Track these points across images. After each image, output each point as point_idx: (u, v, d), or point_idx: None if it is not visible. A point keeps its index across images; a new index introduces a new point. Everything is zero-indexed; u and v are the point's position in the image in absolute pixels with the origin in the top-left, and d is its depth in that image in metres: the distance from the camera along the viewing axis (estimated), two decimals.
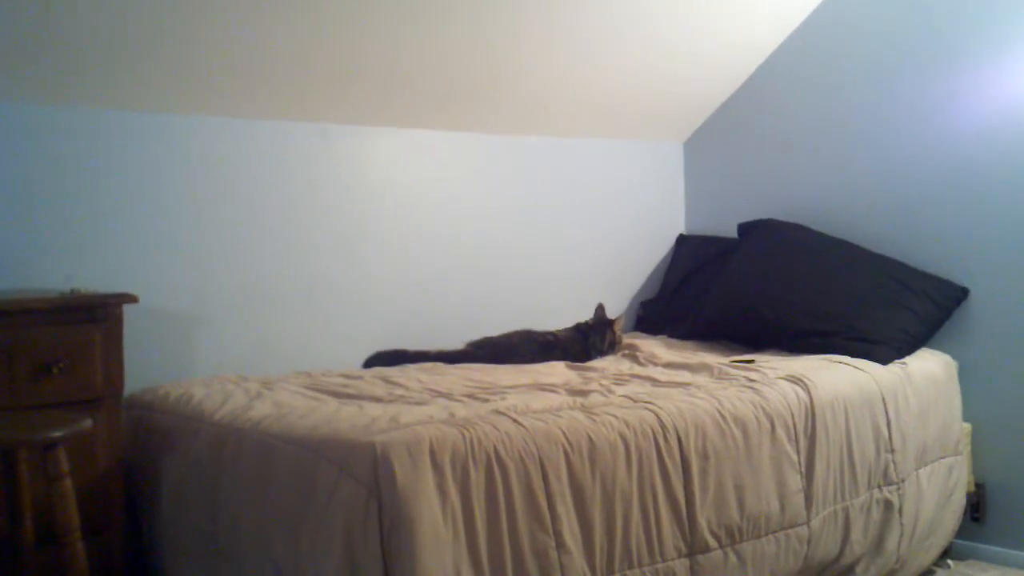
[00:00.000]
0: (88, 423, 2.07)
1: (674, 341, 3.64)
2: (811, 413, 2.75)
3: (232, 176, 3.08)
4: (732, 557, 2.49)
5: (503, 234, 3.73)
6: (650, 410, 2.43)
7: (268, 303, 3.13)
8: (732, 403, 2.60)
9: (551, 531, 2.14)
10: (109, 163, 2.84)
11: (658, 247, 4.22)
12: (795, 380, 2.82)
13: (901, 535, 2.95)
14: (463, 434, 2.07)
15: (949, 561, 3.30)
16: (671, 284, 4.06)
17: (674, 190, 4.29)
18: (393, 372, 2.97)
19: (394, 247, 3.43)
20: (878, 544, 2.90)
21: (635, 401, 2.51)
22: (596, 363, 3.23)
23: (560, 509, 2.16)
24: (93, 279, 2.64)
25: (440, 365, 3.14)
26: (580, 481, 2.21)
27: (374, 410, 2.31)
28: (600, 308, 3.54)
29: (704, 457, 2.46)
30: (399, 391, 2.66)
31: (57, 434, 1.99)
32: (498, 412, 2.28)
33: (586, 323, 3.51)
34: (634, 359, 3.33)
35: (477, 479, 2.04)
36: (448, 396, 2.57)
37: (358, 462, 1.95)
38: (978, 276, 3.34)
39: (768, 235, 3.72)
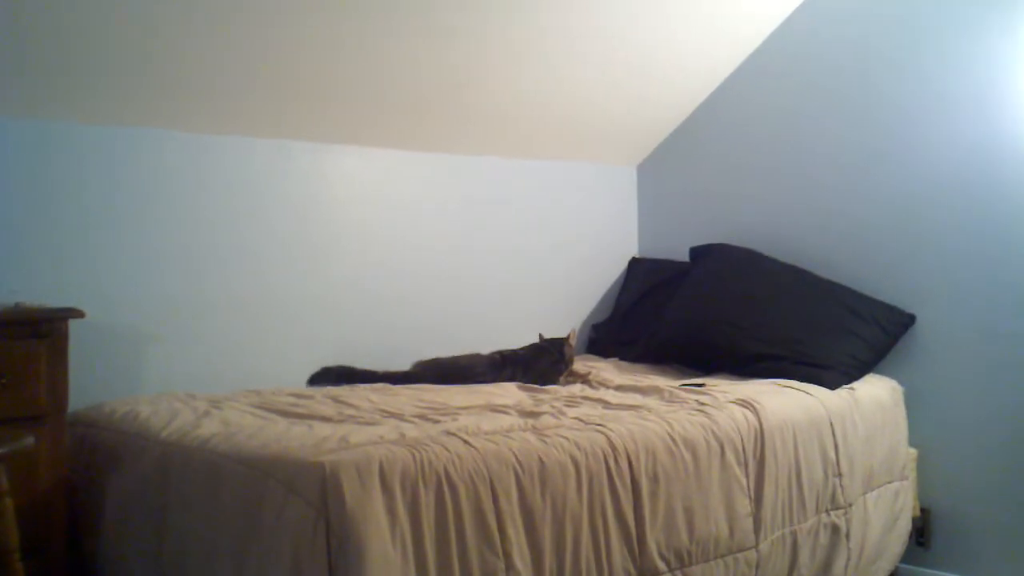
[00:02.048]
0: (30, 441, 2.03)
1: (625, 364, 3.66)
2: (760, 437, 2.77)
3: (184, 191, 3.05)
4: None
5: (456, 254, 3.73)
6: (601, 432, 2.43)
7: (218, 319, 3.10)
8: (683, 426, 2.61)
9: (501, 553, 2.12)
10: (57, 176, 2.81)
11: (610, 270, 4.25)
12: (745, 404, 2.84)
13: (848, 559, 2.98)
14: (413, 455, 2.06)
15: None
16: (623, 307, 4.09)
17: (627, 213, 4.33)
18: (343, 392, 2.95)
19: (346, 265, 3.42)
20: (825, 568, 2.92)
21: (586, 423, 2.51)
22: (549, 388, 3.22)
23: (510, 531, 2.15)
24: (39, 293, 2.60)
25: (390, 386, 3.12)
26: (530, 503, 2.20)
27: (324, 430, 2.30)
28: (541, 336, 3.53)
29: (654, 480, 2.47)
30: (349, 411, 2.64)
31: None
32: (449, 433, 2.27)
33: (537, 343, 3.50)
34: (586, 382, 3.34)
35: (427, 500, 2.03)
36: (399, 417, 2.56)
37: (306, 482, 1.93)
38: (925, 302, 3.39)
39: (720, 259, 3.75)
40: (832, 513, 2.96)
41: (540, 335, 3.49)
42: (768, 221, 3.84)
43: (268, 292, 3.22)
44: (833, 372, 3.21)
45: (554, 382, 3.33)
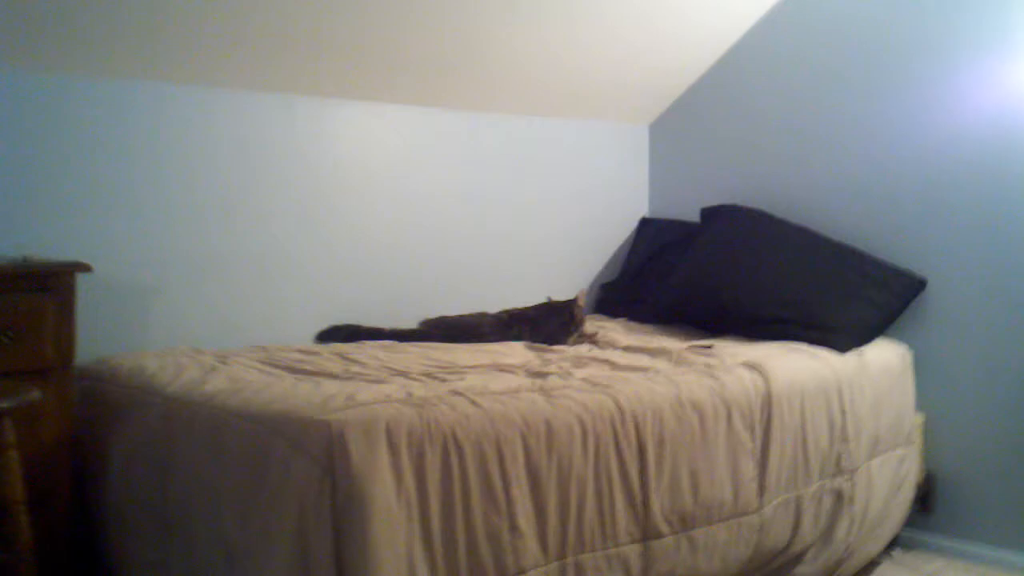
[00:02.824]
0: (36, 395, 2.03)
1: (634, 324, 3.64)
2: (768, 401, 2.76)
3: (192, 145, 3.02)
4: (684, 543, 2.50)
5: (463, 212, 3.70)
6: (608, 394, 2.42)
7: (225, 275, 3.08)
8: (690, 389, 2.59)
9: (505, 514, 2.12)
10: (64, 130, 2.77)
11: (620, 229, 4.21)
12: (753, 367, 2.82)
13: (851, 525, 2.98)
14: (420, 414, 2.05)
15: (894, 551, 3.33)
16: (632, 267, 4.06)
17: (638, 172, 4.28)
18: (350, 348, 2.94)
19: (354, 222, 3.39)
20: (828, 533, 2.93)
21: (593, 385, 2.49)
22: (558, 348, 3.21)
23: (515, 492, 2.15)
24: (47, 247, 2.59)
25: (397, 343, 3.11)
26: (536, 464, 2.20)
27: (330, 387, 2.28)
28: (549, 299, 3.50)
29: (660, 443, 2.46)
30: (356, 368, 2.63)
31: (3, 405, 1.94)
32: (456, 393, 2.25)
33: (546, 303, 3.48)
34: (594, 342, 3.33)
35: (433, 460, 2.02)
36: (406, 375, 2.55)
37: (313, 440, 1.92)
38: (936, 266, 3.37)
39: (730, 221, 3.72)
40: (837, 478, 2.95)
41: (548, 298, 3.46)
42: (780, 183, 3.80)
43: (275, 248, 3.19)
44: (842, 335, 3.19)
45: (562, 343, 3.31)
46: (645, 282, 3.90)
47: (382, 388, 2.27)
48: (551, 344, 3.26)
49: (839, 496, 2.95)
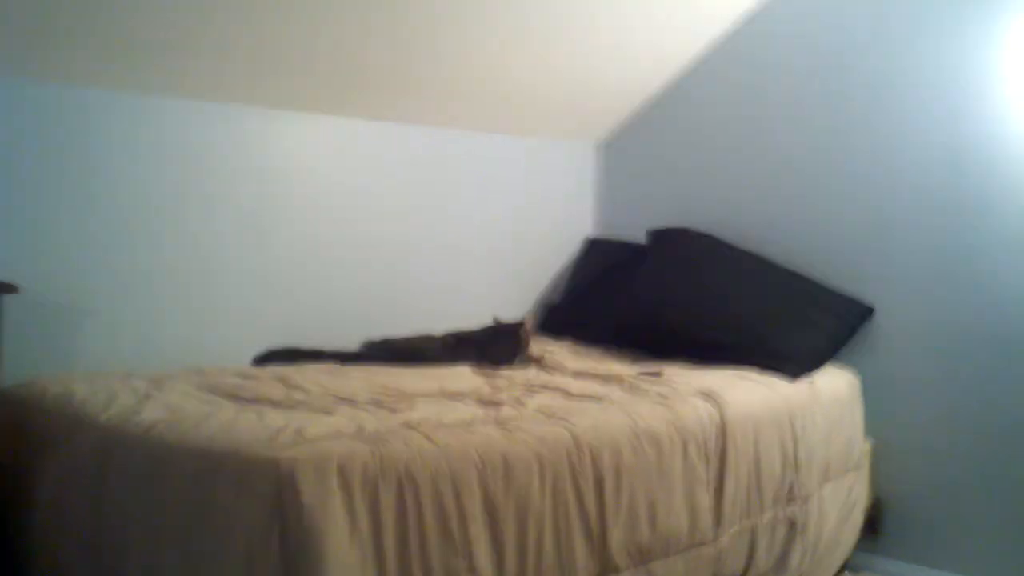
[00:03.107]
0: None
1: (580, 347, 3.58)
2: (722, 431, 2.70)
3: (125, 156, 2.89)
4: None
5: (406, 228, 3.61)
6: (565, 427, 2.34)
7: (159, 294, 2.95)
8: (646, 420, 2.52)
9: (463, 553, 2.03)
10: None
11: (566, 249, 4.15)
12: (707, 397, 2.77)
13: (803, 552, 2.94)
14: (373, 451, 1.94)
15: (846, 573, 3.31)
16: (577, 288, 4.00)
17: (584, 192, 4.23)
18: (291, 373, 2.81)
19: (293, 239, 3.29)
20: (782, 562, 2.88)
21: (549, 416, 2.41)
22: (505, 372, 3.12)
23: (472, 530, 2.05)
24: None
25: (339, 367, 2.99)
26: (493, 501, 2.10)
27: (275, 418, 2.16)
28: (499, 317, 3.42)
29: (618, 475, 2.38)
30: (299, 395, 2.51)
31: None
32: (408, 426, 2.15)
33: (493, 326, 3.39)
34: (541, 365, 3.25)
35: (387, 500, 1.92)
36: (352, 403, 2.44)
37: (260, 480, 1.80)
38: (884, 294, 3.37)
39: (679, 244, 3.68)
40: (790, 506, 2.92)
41: (495, 319, 3.38)
42: (730, 207, 3.78)
43: (212, 266, 3.07)
44: (792, 363, 3.15)
45: (509, 365, 3.23)
46: (591, 304, 3.84)
47: (331, 421, 2.16)
48: (498, 367, 3.17)
49: (792, 524, 2.91)
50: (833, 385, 3.22)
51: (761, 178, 3.71)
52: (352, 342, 3.30)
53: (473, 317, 3.50)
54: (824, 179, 3.52)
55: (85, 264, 2.79)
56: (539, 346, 3.48)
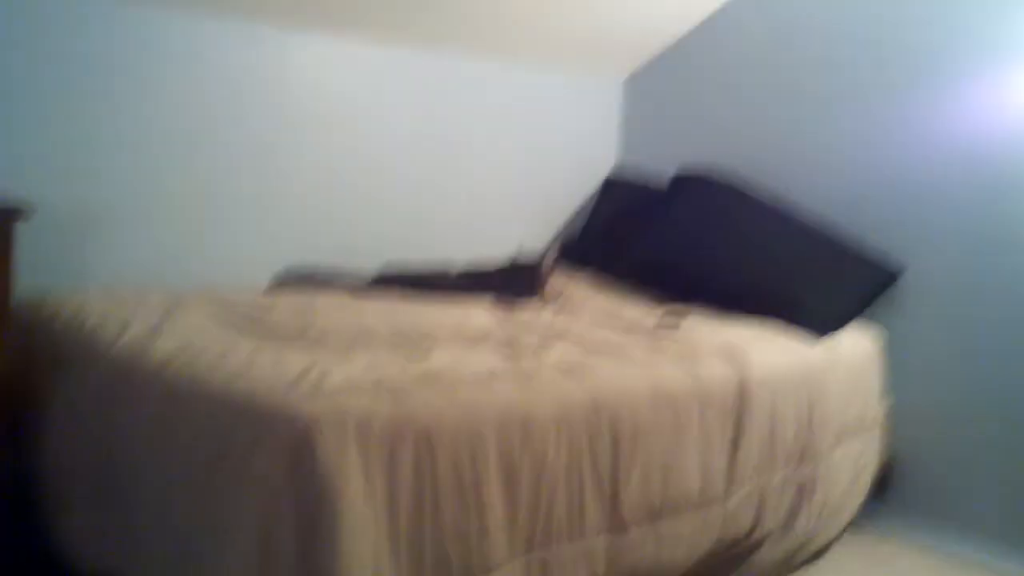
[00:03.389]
0: None
1: (601, 283, 3.50)
2: (741, 393, 2.66)
3: (146, 70, 2.80)
4: (650, 535, 2.41)
5: (427, 157, 3.52)
6: (585, 386, 2.29)
7: (177, 210, 2.89)
8: (666, 381, 2.48)
9: (476, 514, 2.00)
10: (7, 47, 2.51)
11: (588, 186, 4.04)
12: (728, 356, 2.72)
13: (811, 513, 2.93)
14: (393, 409, 1.90)
15: (849, 532, 3.30)
16: (596, 228, 3.90)
17: (608, 129, 4.10)
18: (308, 303, 2.75)
19: (315, 161, 3.20)
20: (789, 522, 2.87)
21: (569, 372, 2.36)
22: (525, 306, 3.07)
23: (487, 490, 2.02)
24: None
25: (355, 299, 2.93)
26: (510, 461, 2.07)
27: (293, 360, 2.11)
28: (522, 250, 3.36)
29: (634, 437, 2.35)
30: (315, 332, 2.46)
31: None
32: (429, 379, 2.10)
33: (511, 261, 3.33)
34: (560, 304, 3.19)
35: (404, 459, 1.88)
36: (370, 342, 2.39)
37: (278, 437, 1.76)
38: (912, 251, 3.29)
39: (702, 192, 3.60)
40: (801, 468, 2.89)
41: (519, 248, 3.31)
42: (756, 152, 3.67)
43: (231, 183, 2.99)
44: (816, 323, 3.09)
45: (527, 300, 3.17)
46: (610, 243, 3.74)
47: (348, 368, 2.10)
48: (516, 303, 3.12)
49: (802, 486, 2.89)
50: (855, 346, 3.17)
51: (790, 123, 3.59)
52: (369, 266, 3.24)
53: (493, 248, 3.44)
54: (862, 130, 3.41)
55: (104, 176, 2.72)
56: (559, 281, 3.42)
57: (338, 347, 2.31)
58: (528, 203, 3.86)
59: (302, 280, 3.03)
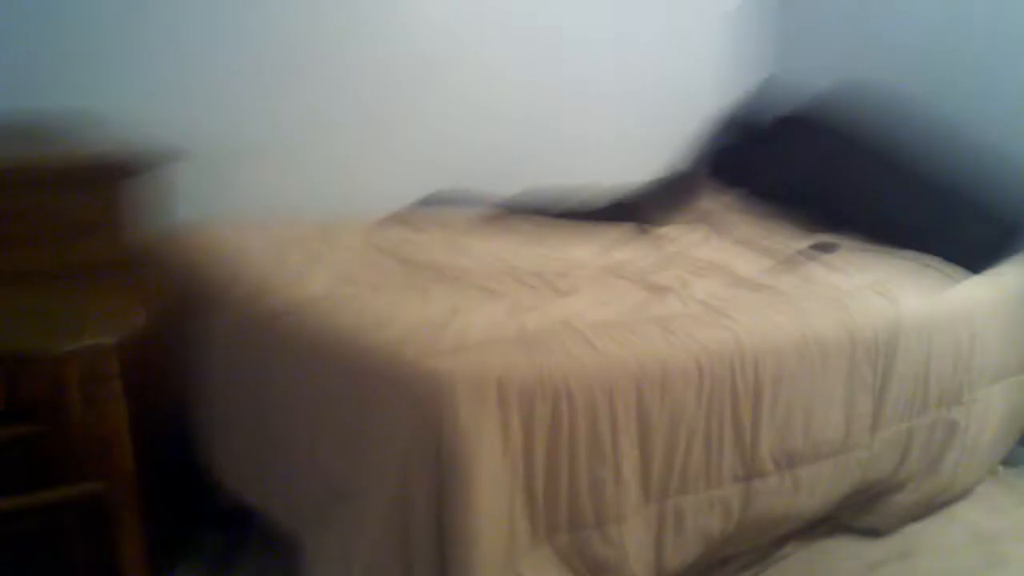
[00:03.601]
0: (139, 321, 1.91)
1: (750, 204, 3.41)
2: (895, 334, 2.57)
3: None
4: (788, 481, 2.41)
5: (573, 70, 3.42)
6: (729, 331, 2.27)
7: (328, 136, 2.93)
8: (816, 322, 2.42)
9: (611, 464, 2.04)
10: None
11: (739, 87, 3.89)
12: (883, 293, 2.63)
13: (960, 454, 2.85)
14: (532, 363, 1.93)
15: (998, 468, 3.21)
16: (753, 132, 3.74)
17: (765, 19, 3.89)
18: (456, 226, 2.79)
19: (458, 79, 3.16)
20: (936, 463, 2.80)
21: (714, 314, 2.33)
22: (669, 232, 3.03)
23: (623, 440, 2.05)
24: (138, 102, 2.47)
25: (502, 221, 2.95)
26: (648, 412, 2.09)
27: (438, 300, 2.16)
28: (667, 171, 3.29)
29: (778, 383, 2.32)
30: (463, 262, 2.50)
31: (107, 339, 1.84)
32: (569, 326, 2.11)
33: (658, 180, 3.27)
34: (709, 227, 3.13)
35: (543, 414, 1.92)
36: (514, 278, 2.42)
37: (421, 393, 1.82)
38: None
39: (860, 108, 3.39)
40: (954, 407, 2.80)
41: (667, 167, 3.25)
42: (923, 62, 3.42)
43: (375, 107, 3.01)
44: (979, 255, 2.94)
45: (676, 220, 3.13)
46: (765, 151, 3.60)
47: (492, 311, 2.13)
48: (661, 222, 3.09)
49: (953, 425, 2.81)
50: (1017, 282, 3.01)
51: (960, 41, 3.33)
52: (512, 192, 3.23)
53: (641, 166, 3.38)
54: None
55: (255, 106, 2.78)
56: (708, 200, 3.35)
57: (483, 283, 2.35)
58: (674, 109, 3.75)
59: (445, 203, 3.06)
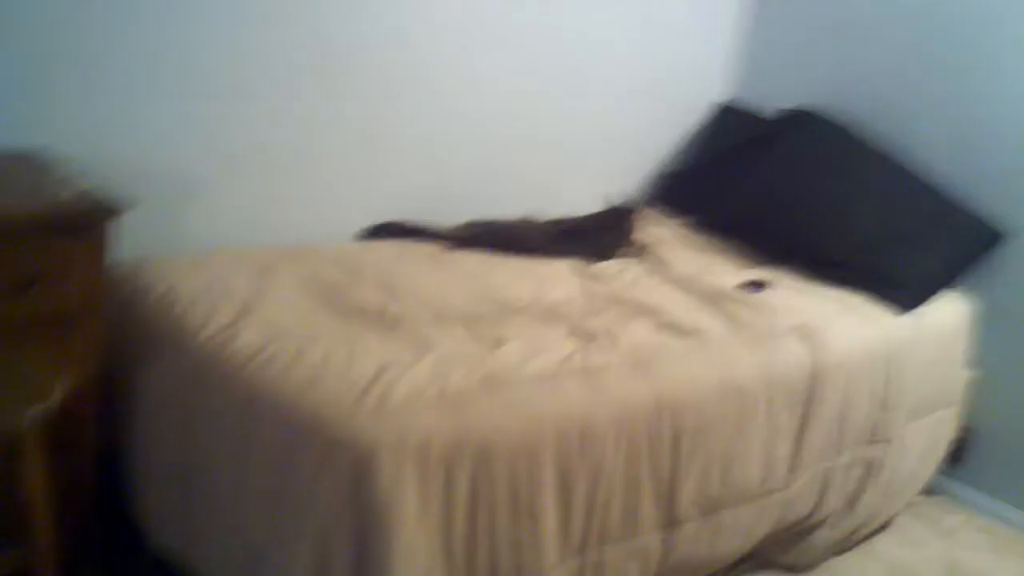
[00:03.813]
0: (57, 395, 1.92)
1: (692, 233, 3.49)
2: (815, 378, 2.66)
3: (229, 24, 2.78)
4: (708, 526, 2.49)
5: (519, 87, 3.44)
6: (650, 383, 2.33)
7: (270, 166, 2.94)
8: (736, 371, 2.49)
9: (530, 523, 2.10)
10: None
11: (695, 113, 3.95)
12: (804, 337, 2.70)
13: (876, 491, 2.95)
14: (453, 424, 1.98)
15: (917, 498, 3.31)
16: (703, 159, 3.82)
17: (724, 49, 3.95)
18: (393, 267, 2.82)
19: (402, 104, 3.17)
20: (853, 501, 2.91)
21: (636, 366, 2.38)
22: (607, 268, 3.08)
23: (542, 499, 2.12)
24: (70, 137, 2.48)
25: (443, 256, 2.99)
26: (568, 469, 2.15)
27: (366, 358, 2.18)
28: (612, 203, 3.35)
29: (697, 433, 2.40)
30: (396, 306, 2.53)
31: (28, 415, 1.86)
32: (493, 383, 2.15)
33: (599, 214, 3.34)
34: (647, 261, 3.19)
35: (463, 477, 1.98)
36: (446, 321, 2.46)
37: (341, 460, 1.87)
38: (1017, 216, 3.16)
39: (809, 132, 3.49)
40: (870, 447, 2.90)
41: (609, 201, 3.31)
42: (878, 89, 3.50)
43: (319, 135, 3.02)
44: (906, 294, 3.04)
45: (614, 256, 3.20)
46: (711, 181, 3.68)
47: (418, 371, 2.16)
48: (602, 257, 3.15)
49: (869, 465, 2.91)
50: (942, 318, 3.11)
51: (918, 67, 3.41)
52: (461, 219, 3.27)
53: (588, 181, 3.42)
54: (984, 85, 3.23)
55: (199, 131, 2.77)
56: (649, 229, 3.41)
57: (414, 332, 2.38)
58: (630, 130, 3.78)
59: (392, 233, 3.10)
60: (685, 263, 3.20)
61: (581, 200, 3.47)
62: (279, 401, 2.03)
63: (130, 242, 2.50)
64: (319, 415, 1.96)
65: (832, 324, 2.83)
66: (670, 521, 2.40)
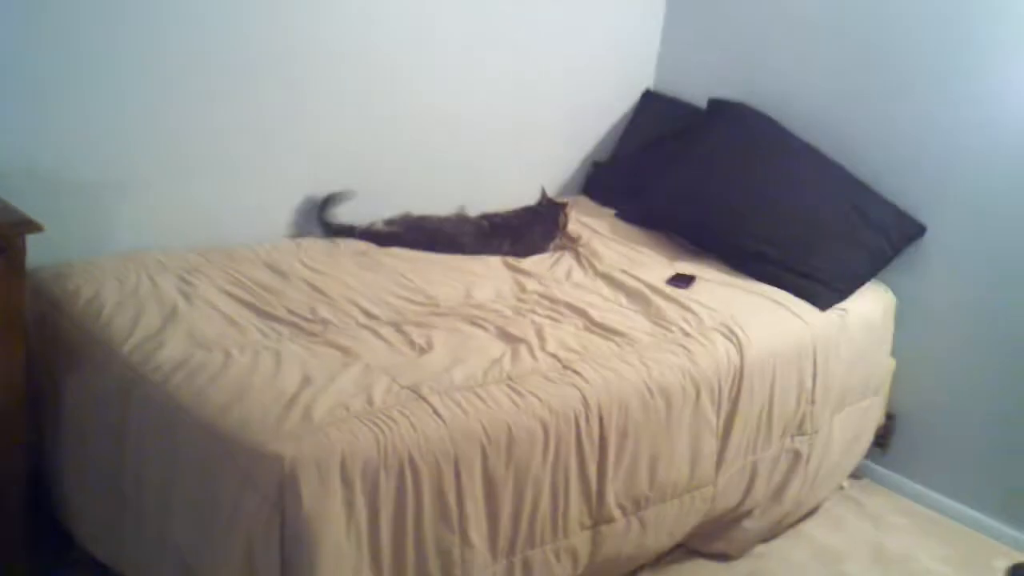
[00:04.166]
0: None
1: (620, 225, 3.51)
2: (739, 375, 2.71)
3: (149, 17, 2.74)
4: (635, 524, 2.54)
5: (446, 80, 3.43)
6: (576, 388, 2.35)
7: (191, 164, 2.90)
8: (661, 372, 2.52)
9: (457, 530, 2.13)
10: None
11: (622, 102, 3.97)
12: (729, 334, 2.75)
13: (803, 481, 3.01)
14: (377, 440, 1.99)
15: (844, 482, 3.39)
16: (630, 147, 3.86)
17: (649, 37, 3.97)
18: (321, 266, 2.83)
19: (325, 97, 3.14)
20: (780, 491, 2.96)
21: (563, 369, 2.41)
22: (534, 266, 3.10)
23: (469, 507, 2.14)
24: None
25: (372, 253, 3.00)
26: (493, 475, 2.18)
27: (290, 369, 2.18)
28: (544, 194, 3.37)
29: (623, 435, 2.43)
30: (323, 310, 2.54)
31: None
32: (419, 395, 2.17)
33: (530, 208, 3.35)
34: (576, 253, 3.22)
35: (387, 488, 2.00)
36: (373, 331, 2.47)
37: (264, 475, 1.88)
38: (937, 210, 3.23)
39: (738, 124, 3.52)
40: (797, 439, 2.96)
41: (543, 190, 3.34)
42: (798, 82, 3.54)
43: (246, 133, 2.99)
44: (828, 289, 3.09)
45: (545, 250, 3.22)
46: (640, 170, 3.70)
47: (342, 382, 2.16)
48: (533, 251, 3.18)
49: (797, 455, 2.97)
50: (866, 311, 3.17)
51: (838, 57, 3.44)
52: (394, 210, 3.27)
53: (518, 171, 3.43)
54: (900, 81, 3.29)
55: (116, 133, 2.73)
56: (579, 221, 3.43)
57: (340, 338, 2.39)
58: (560, 118, 3.78)
59: (322, 229, 3.10)
60: (615, 256, 3.23)
61: (514, 191, 3.48)
62: (203, 415, 2.02)
63: (54, 248, 2.49)
64: (243, 430, 1.96)
65: (757, 319, 2.87)
66: (597, 520, 2.44)
